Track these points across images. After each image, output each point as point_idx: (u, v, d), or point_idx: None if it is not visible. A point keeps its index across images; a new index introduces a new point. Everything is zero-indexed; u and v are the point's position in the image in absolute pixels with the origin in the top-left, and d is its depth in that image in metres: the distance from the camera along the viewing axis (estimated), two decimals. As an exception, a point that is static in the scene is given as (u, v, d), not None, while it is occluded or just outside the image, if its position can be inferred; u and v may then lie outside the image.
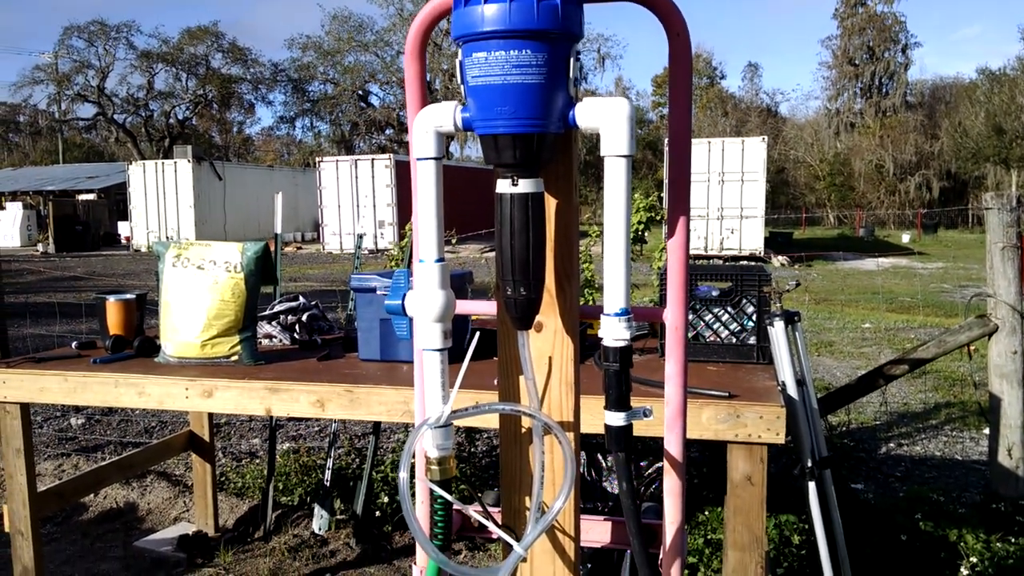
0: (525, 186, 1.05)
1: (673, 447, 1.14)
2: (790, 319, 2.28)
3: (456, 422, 1.12)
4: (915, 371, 5.16)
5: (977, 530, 3.34)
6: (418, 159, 1.08)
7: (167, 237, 26.19)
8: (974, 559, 3.18)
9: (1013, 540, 3.29)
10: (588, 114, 1.05)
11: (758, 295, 2.51)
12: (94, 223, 29.92)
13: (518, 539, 1.08)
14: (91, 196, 32.76)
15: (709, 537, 3.47)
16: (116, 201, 31.82)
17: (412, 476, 1.23)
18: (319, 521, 3.81)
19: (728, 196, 21.17)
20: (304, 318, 3.17)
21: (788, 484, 3.53)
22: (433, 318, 1.08)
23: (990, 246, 3.55)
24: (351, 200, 24.91)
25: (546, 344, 1.14)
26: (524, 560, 1.14)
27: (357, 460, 4.52)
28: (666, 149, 1.15)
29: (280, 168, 39.47)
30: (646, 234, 4.38)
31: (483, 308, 1.23)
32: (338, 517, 3.84)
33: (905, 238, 31.56)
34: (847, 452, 4.89)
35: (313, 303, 3.30)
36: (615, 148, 1.02)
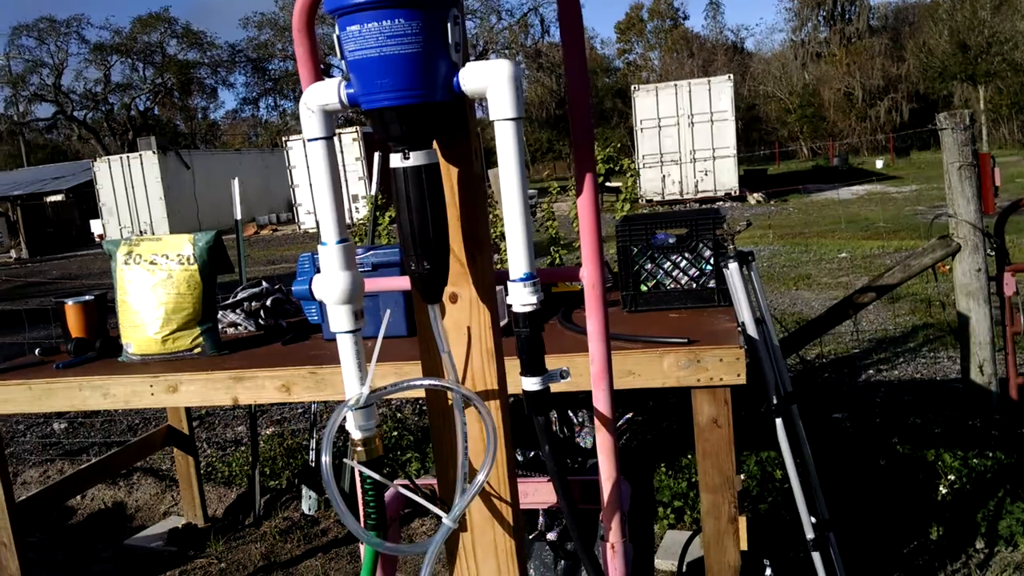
0: (417, 158, 1.03)
1: (601, 404, 1.14)
2: (744, 259, 2.28)
3: (379, 399, 1.12)
4: (889, 296, 5.19)
5: (954, 448, 3.39)
6: (308, 140, 1.06)
7: (140, 232, 25.93)
8: (952, 476, 3.23)
9: (990, 454, 3.34)
10: (472, 78, 1.03)
11: (713, 238, 2.50)
12: (65, 224, 29.56)
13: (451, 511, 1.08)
14: (59, 197, 32.31)
15: (693, 480, 3.51)
16: (86, 199, 31.40)
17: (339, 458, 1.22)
18: (308, 502, 3.82)
19: (699, 138, 21.14)
20: (268, 303, 3.15)
21: (767, 421, 3.56)
22: (339, 300, 1.07)
23: (947, 166, 3.56)
24: (322, 177, 24.65)
25: (463, 314, 1.13)
26: (464, 530, 1.15)
27: (342, 438, 4.53)
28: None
29: (248, 151, 39.00)
30: (608, 184, 4.36)
31: (393, 284, 1.22)
32: (326, 496, 3.85)
33: (879, 163, 31.65)
34: (826, 383, 4.94)
35: (277, 287, 3.28)
36: (501, 111, 1.00)
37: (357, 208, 24.25)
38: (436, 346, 1.10)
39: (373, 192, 3.82)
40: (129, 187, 26.66)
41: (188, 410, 3.80)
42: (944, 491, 3.20)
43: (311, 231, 24.46)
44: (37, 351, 2.98)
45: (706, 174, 21.28)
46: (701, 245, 2.52)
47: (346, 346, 1.08)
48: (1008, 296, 3.70)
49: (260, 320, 3.07)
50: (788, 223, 14.91)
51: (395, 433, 4.45)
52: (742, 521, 2.16)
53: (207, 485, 4.09)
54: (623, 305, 2.58)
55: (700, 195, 21.25)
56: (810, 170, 32.12)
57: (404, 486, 1.14)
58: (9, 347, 6.48)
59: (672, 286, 2.56)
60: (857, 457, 3.45)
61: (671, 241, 2.56)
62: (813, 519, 2.37)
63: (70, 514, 4.13)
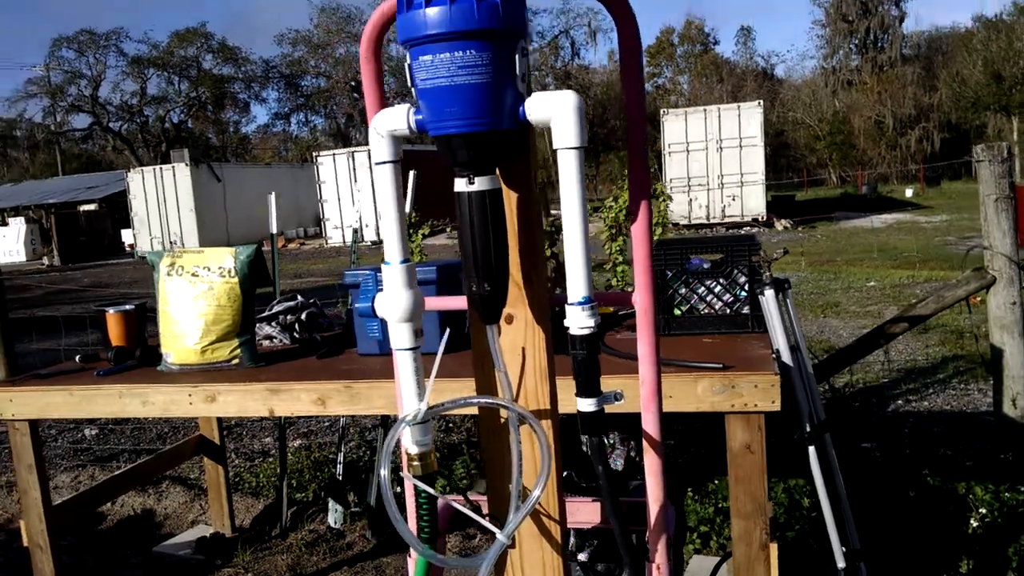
0: (481, 183, 1.07)
1: (650, 427, 1.16)
2: (780, 286, 2.29)
3: (435, 416, 1.15)
4: (920, 327, 5.16)
5: (985, 481, 3.35)
6: (376, 163, 1.10)
7: (170, 243, 26.24)
8: (983, 510, 3.19)
9: (1023, 489, 3.30)
10: (538, 108, 1.07)
11: (749, 264, 2.51)
12: (97, 233, 30.02)
13: (503, 527, 1.11)
14: (92, 206, 32.83)
15: (720, 505, 3.50)
16: (118, 209, 31.87)
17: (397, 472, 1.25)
18: (334, 515, 3.85)
19: (727, 163, 21.12)
20: (303, 317, 3.19)
21: (795, 449, 3.55)
22: (401, 318, 1.11)
23: (983, 198, 3.54)
24: (351, 193, 24.91)
25: (518, 335, 1.16)
26: (513, 546, 1.17)
27: (368, 452, 4.56)
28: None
29: (278, 165, 39.43)
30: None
31: (453, 304, 1.25)
32: (352, 510, 3.88)
33: (908, 192, 31.41)
34: (855, 412, 4.91)
35: (311, 301, 3.32)
36: (566, 140, 1.04)
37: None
38: (490, 365, 1.13)
39: (408, 210, 3.86)
40: (161, 198, 27.03)
41: (219, 420, 3.85)
42: (975, 524, 3.17)
43: (337, 246, 24.63)
44: (78, 358, 3.04)
45: (733, 199, 21.23)
46: (736, 271, 2.53)
47: (405, 362, 1.12)
48: (1043, 330, 3.66)
49: (295, 333, 3.12)
50: (816, 250, 14.83)
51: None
52: (773, 548, 2.16)
53: (235, 495, 4.13)
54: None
55: (727, 220, 21.20)
56: (838, 198, 31.91)
57: (455, 501, 1.17)
58: (45, 353, 6.58)
59: (706, 311, 2.58)
60: (887, 487, 3.42)
61: (706, 266, 2.58)
62: (844, 548, 2.36)
63: (100, 519, 4.19)
